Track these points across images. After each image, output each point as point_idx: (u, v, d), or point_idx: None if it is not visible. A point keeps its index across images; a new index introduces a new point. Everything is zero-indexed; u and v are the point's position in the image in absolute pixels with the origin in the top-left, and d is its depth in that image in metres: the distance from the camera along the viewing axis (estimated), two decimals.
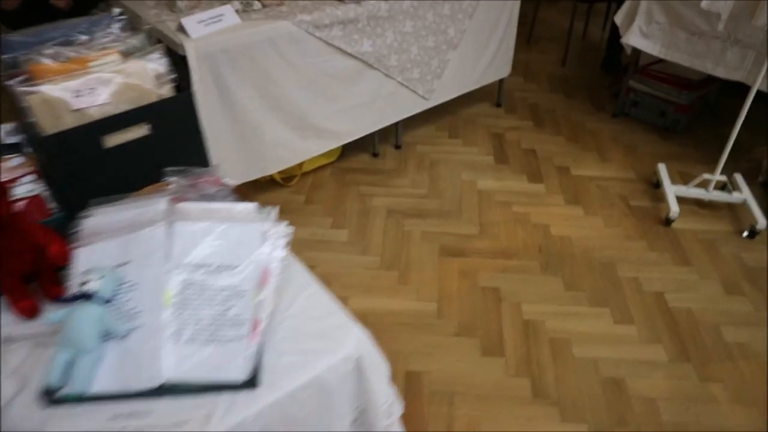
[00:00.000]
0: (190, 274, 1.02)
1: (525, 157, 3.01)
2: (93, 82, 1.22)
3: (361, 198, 2.71)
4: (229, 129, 2.36)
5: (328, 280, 2.29)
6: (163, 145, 1.30)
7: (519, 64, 3.91)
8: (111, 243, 1.07)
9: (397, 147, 3.05)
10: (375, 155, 2.99)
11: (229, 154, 2.41)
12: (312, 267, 2.37)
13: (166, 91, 1.31)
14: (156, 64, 1.29)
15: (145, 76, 1.27)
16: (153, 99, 1.28)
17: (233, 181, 1.25)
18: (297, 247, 2.46)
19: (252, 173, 2.53)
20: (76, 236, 1.10)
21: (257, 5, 2.39)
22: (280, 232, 1.07)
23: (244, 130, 2.39)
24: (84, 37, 1.45)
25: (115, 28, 1.50)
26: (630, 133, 3.22)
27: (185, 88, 1.47)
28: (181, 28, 2.17)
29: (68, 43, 1.42)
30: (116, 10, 1.48)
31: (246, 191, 2.66)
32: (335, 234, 2.52)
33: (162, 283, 1.01)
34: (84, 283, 1.00)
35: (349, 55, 2.52)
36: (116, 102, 1.24)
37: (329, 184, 2.80)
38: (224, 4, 2.36)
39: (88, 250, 1.08)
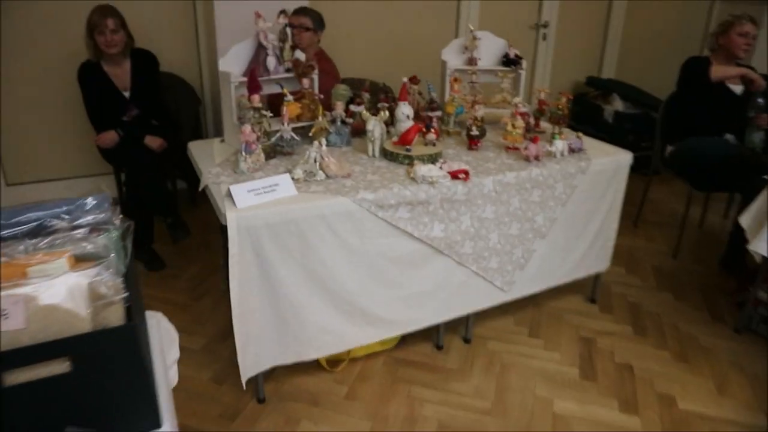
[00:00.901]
0: None
1: (618, 375, 2.39)
2: (7, 301, 0.89)
3: (411, 401, 2.20)
4: (267, 306, 2.00)
5: None
6: (87, 389, 0.93)
7: (621, 252, 3.36)
8: None
9: (466, 341, 2.55)
10: (438, 348, 2.50)
11: (264, 334, 2.04)
12: None
13: (111, 315, 0.96)
14: (101, 280, 0.96)
15: (80, 296, 0.93)
16: (84, 328, 0.93)
17: None
18: None
19: (287, 357, 2.13)
20: None
21: (321, 176, 2.11)
22: None
23: (283, 309, 2.03)
24: (63, 223, 1.18)
25: (103, 214, 1.23)
26: (759, 359, 2.51)
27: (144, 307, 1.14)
28: (229, 195, 1.92)
29: (40, 229, 1.15)
30: (100, 196, 1.20)
31: (280, 372, 2.26)
32: None
33: None
34: None
35: (416, 238, 2.15)
36: (33, 329, 0.91)
37: (379, 376, 2.33)
38: (290, 169, 2.12)
39: None
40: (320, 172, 2.11)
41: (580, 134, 2.58)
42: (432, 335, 2.50)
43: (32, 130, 3.45)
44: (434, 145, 2.39)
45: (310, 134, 2.44)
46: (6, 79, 3.30)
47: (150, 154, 2.95)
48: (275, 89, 2.48)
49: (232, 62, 2.42)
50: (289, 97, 2.44)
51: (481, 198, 2.23)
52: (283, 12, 2.50)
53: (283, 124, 2.33)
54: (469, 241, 2.27)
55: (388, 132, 2.49)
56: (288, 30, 2.51)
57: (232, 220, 1.84)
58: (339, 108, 2.50)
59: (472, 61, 2.88)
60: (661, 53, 5.19)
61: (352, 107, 2.58)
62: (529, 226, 2.41)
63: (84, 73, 2.91)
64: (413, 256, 2.18)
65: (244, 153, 2.16)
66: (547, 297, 2.82)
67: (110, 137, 2.91)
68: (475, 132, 2.49)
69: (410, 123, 2.38)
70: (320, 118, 2.46)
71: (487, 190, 2.23)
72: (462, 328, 2.56)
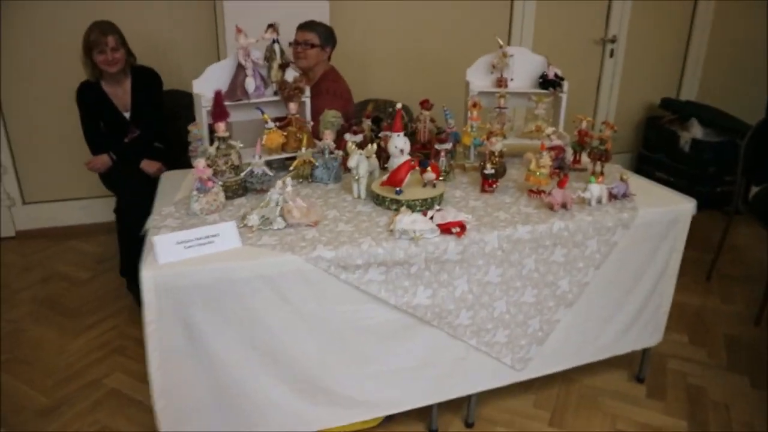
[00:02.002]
0: None
1: None
2: None
3: None
4: (200, 382, 1.59)
5: None
6: None
7: (686, 313, 2.68)
8: None
9: (468, 425, 2.02)
10: None
11: (201, 409, 1.62)
12: None
13: None
14: None
15: None
16: None
17: None
18: None
19: None
20: None
21: (279, 223, 1.68)
22: None
23: (221, 386, 1.61)
24: None
25: None
26: None
27: None
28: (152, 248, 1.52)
29: None
30: None
31: None
32: None
33: None
34: None
35: (392, 305, 1.66)
36: None
37: None
38: (248, 214, 1.71)
39: None
40: (279, 219, 1.68)
41: (626, 175, 1.99)
42: (424, 415, 1.99)
43: (51, 150, 3.27)
44: (434, 186, 1.89)
45: (291, 168, 2.03)
46: (25, 98, 3.14)
47: (145, 180, 2.64)
48: (256, 115, 2.08)
49: (208, 83, 2.06)
50: (270, 125, 2.04)
51: (481, 258, 1.70)
52: (271, 26, 2.09)
53: (255, 156, 1.92)
54: (465, 310, 1.75)
55: (385, 168, 2.03)
56: (276, 47, 2.10)
57: (148, 279, 1.45)
58: (328, 137, 2.06)
59: (501, 83, 2.36)
60: (753, 70, 4.35)
61: (347, 136, 2.13)
62: (549, 292, 1.85)
63: (82, 93, 2.66)
64: (390, 326, 1.69)
65: (196, 192, 1.77)
66: (581, 371, 2.22)
67: (101, 161, 2.64)
68: (489, 171, 1.97)
69: (404, 158, 1.90)
70: (304, 149, 2.04)
71: (490, 249, 1.70)
72: (464, 406, 2.02)
